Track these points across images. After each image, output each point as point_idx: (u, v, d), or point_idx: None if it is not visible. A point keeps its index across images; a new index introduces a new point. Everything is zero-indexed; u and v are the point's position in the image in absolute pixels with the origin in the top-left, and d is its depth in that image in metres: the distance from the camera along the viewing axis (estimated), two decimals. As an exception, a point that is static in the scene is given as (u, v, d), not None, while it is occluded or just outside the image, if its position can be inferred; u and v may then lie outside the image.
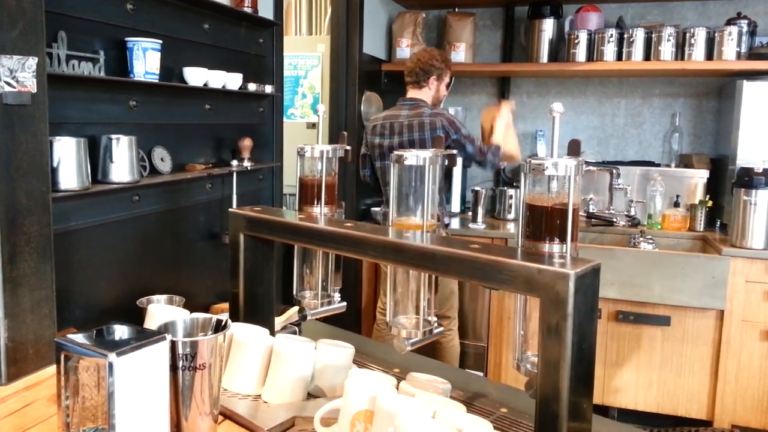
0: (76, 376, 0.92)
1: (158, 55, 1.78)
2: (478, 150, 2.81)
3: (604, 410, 2.96)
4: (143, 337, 0.91)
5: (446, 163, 1.15)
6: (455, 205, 3.68)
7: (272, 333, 1.33)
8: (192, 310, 1.24)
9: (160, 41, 1.80)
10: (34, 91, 1.30)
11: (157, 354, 0.90)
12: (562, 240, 0.93)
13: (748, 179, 2.79)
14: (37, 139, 1.33)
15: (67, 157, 1.50)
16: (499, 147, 2.86)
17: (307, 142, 1.34)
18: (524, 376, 1.01)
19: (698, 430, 2.84)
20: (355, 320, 3.43)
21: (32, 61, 1.28)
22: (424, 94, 2.87)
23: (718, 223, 3.24)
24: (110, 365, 0.84)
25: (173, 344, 0.93)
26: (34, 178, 1.34)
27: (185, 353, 0.94)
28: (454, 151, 1.20)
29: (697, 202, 3.24)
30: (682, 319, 2.84)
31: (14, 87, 1.26)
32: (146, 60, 1.74)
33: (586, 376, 0.88)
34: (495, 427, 0.98)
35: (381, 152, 2.85)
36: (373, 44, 3.50)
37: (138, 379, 0.88)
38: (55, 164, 1.47)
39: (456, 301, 3.04)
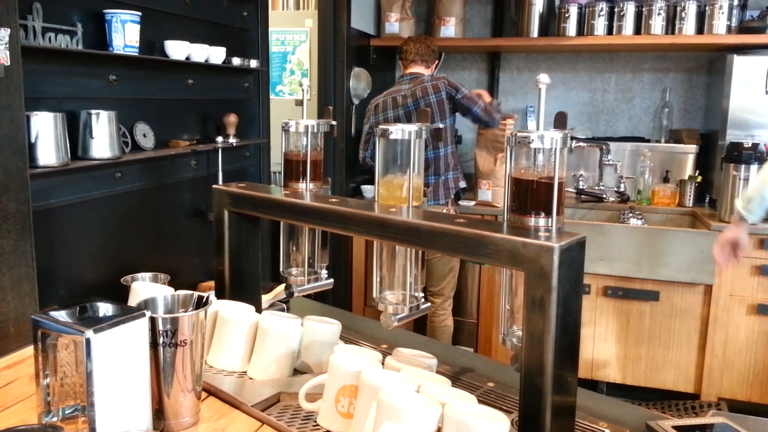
0: (54, 354, 0.90)
1: (137, 27, 1.74)
2: (483, 109, 2.80)
3: (592, 384, 2.98)
4: (123, 313, 0.89)
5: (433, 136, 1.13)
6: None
7: (259, 310, 1.32)
8: (178, 288, 1.22)
9: (140, 13, 1.75)
10: (8, 63, 1.27)
11: (137, 331, 0.89)
12: (548, 214, 0.91)
13: (737, 154, 2.78)
14: (12, 113, 1.30)
15: (45, 132, 1.46)
16: (499, 103, 2.87)
17: (295, 119, 1.31)
18: (511, 351, 1.01)
19: (686, 404, 2.88)
20: (346, 297, 3.42)
21: (4, 33, 1.24)
22: (426, 72, 2.94)
23: (708, 198, 3.24)
24: (87, 342, 0.83)
25: (153, 321, 0.92)
26: (10, 154, 1.31)
27: (165, 329, 0.92)
28: (441, 125, 1.18)
29: (686, 177, 3.24)
30: (671, 294, 2.85)
31: (-13, 59, 1.22)
32: (125, 33, 1.69)
33: (570, 350, 0.88)
34: (481, 401, 0.97)
35: None
36: (361, 19, 3.44)
37: (117, 356, 0.86)
38: (32, 140, 1.43)
39: (454, 280, 3.01)
